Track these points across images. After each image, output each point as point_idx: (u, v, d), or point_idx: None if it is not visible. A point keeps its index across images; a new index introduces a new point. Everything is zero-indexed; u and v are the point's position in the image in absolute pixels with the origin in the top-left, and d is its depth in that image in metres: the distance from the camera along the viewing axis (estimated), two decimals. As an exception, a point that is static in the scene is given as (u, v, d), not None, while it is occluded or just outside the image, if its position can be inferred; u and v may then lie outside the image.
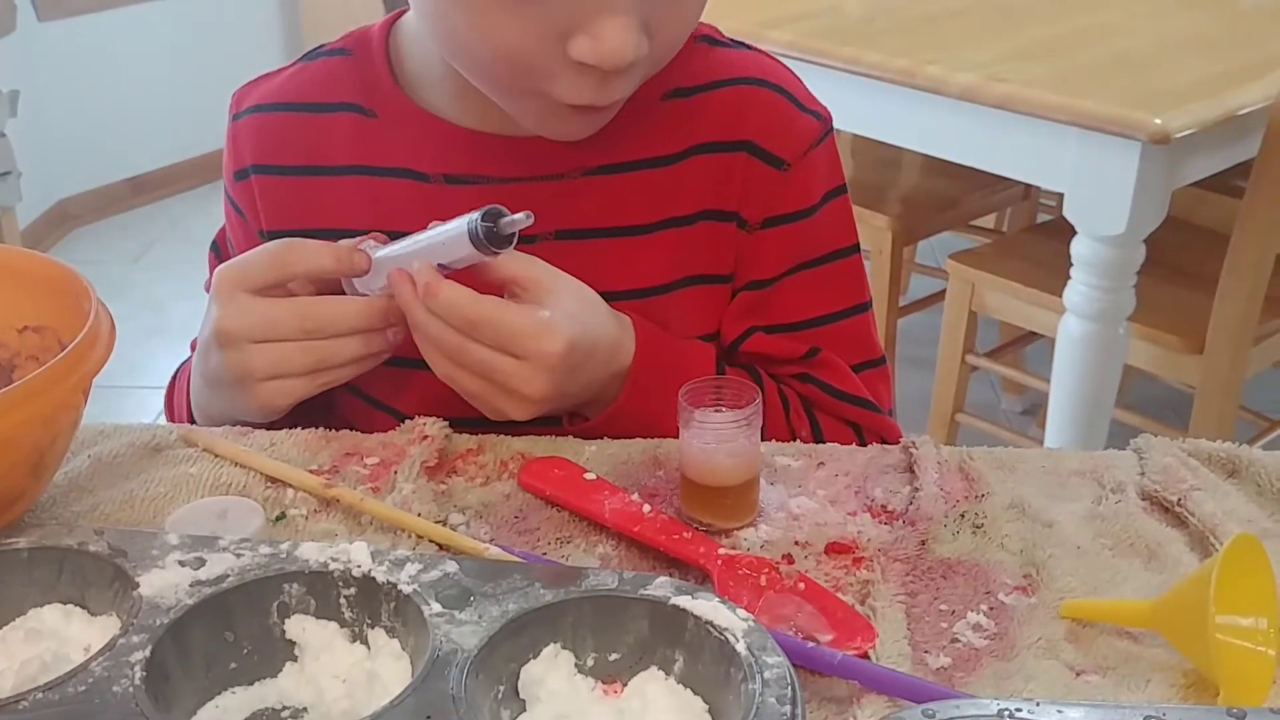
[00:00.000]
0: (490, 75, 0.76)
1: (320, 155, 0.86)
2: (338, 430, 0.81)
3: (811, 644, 0.59)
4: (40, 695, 0.53)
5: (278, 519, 0.71)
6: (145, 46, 3.66)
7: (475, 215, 0.72)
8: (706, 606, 0.56)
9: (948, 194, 2.37)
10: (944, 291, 2.18)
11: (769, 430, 0.80)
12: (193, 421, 0.87)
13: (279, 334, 0.75)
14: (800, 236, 0.86)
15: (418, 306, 0.73)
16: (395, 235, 0.78)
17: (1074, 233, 1.71)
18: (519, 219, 0.72)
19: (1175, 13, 2.09)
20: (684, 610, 0.56)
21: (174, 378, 0.94)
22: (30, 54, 3.31)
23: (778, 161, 0.84)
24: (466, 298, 0.73)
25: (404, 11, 0.84)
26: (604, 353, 0.77)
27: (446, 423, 0.79)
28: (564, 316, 0.73)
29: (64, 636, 0.59)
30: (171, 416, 0.93)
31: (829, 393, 0.87)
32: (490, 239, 0.72)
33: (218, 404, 0.81)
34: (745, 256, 0.86)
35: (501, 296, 0.75)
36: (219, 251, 0.94)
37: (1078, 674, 0.59)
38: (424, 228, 0.77)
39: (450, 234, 0.73)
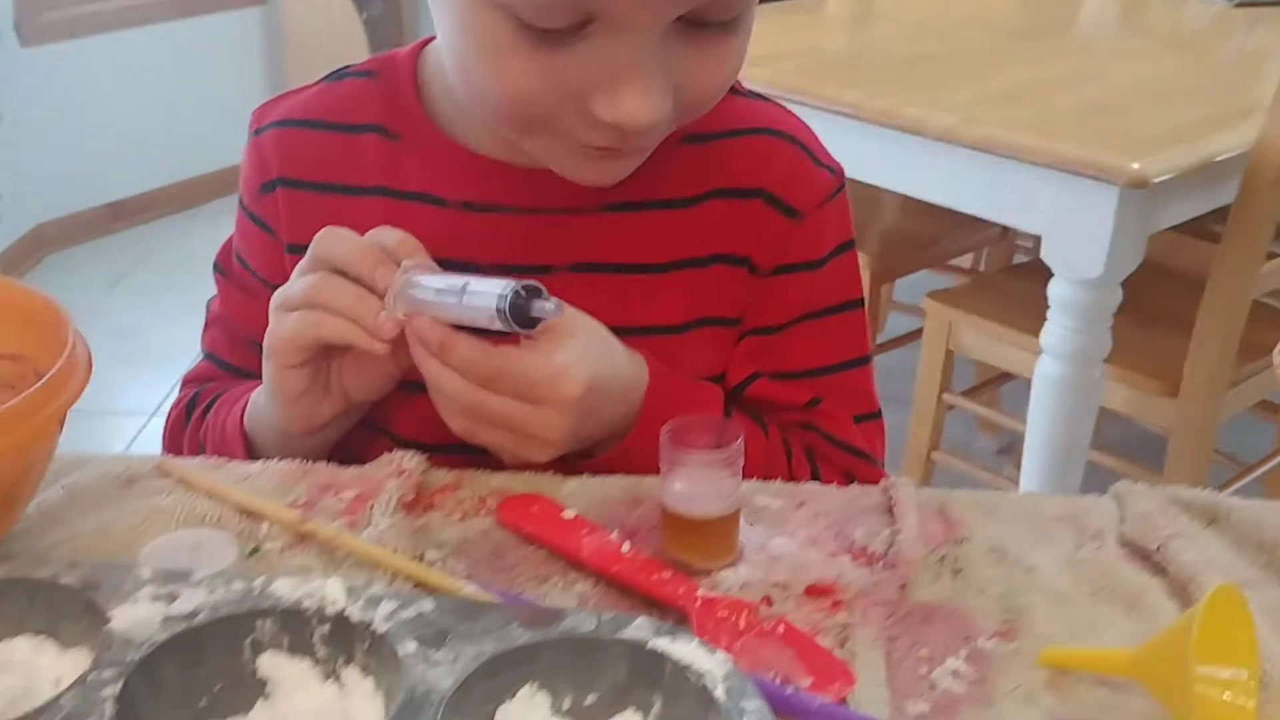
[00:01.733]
0: (507, 118, 0.75)
1: (344, 174, 0.86)
2: (331, 458, 0.80)
3: (790, 689, 0.58)
4: (7, 732, 0.52)
5: (252, 553, 0.71)
6: (126, 72, 3.65)
7: (507, 292, 0.71)
8: (685, 649, 0.55)
9: (926, 233, 2.38)
10: (921, 330, 2.18)
11: (771, 474, 0.81)
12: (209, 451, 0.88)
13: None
14: (808, 286, 0.88)
15: (433, 364, 0.73)
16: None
17: (1051, 274, 1.72)
18: (550, 308, 0.72)
19: (1154, 59, 2.12)
20: (662, 654, 0.55)
21: (187, 417, 0.93)
22: (11, 78, 3.30)
23: (791, 211, 0.85)
24: (480, 352, 0.72)
25: (433, 38, 0.84)
26: (619, 393, 0.78)
27: (425, 456, 0.79)
28: (581, 359, 0.73)
29: (34, 669, 0.58)
30: (178, 453, 0.92)
31: (830, 442, 0.88)
32: (516, 315, 0.71)
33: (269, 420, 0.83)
34: (755, 301, 0.87)
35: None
36: (224, 272, 0.93)
37: (1057, 722, 0.59)
38: (439, 253, 0.78)
39: (479, 306, 0.72)
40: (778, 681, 0.59)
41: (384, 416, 0.85)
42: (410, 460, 0.78)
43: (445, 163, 0.84)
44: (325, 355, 0.79)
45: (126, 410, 2.60)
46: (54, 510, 0.74)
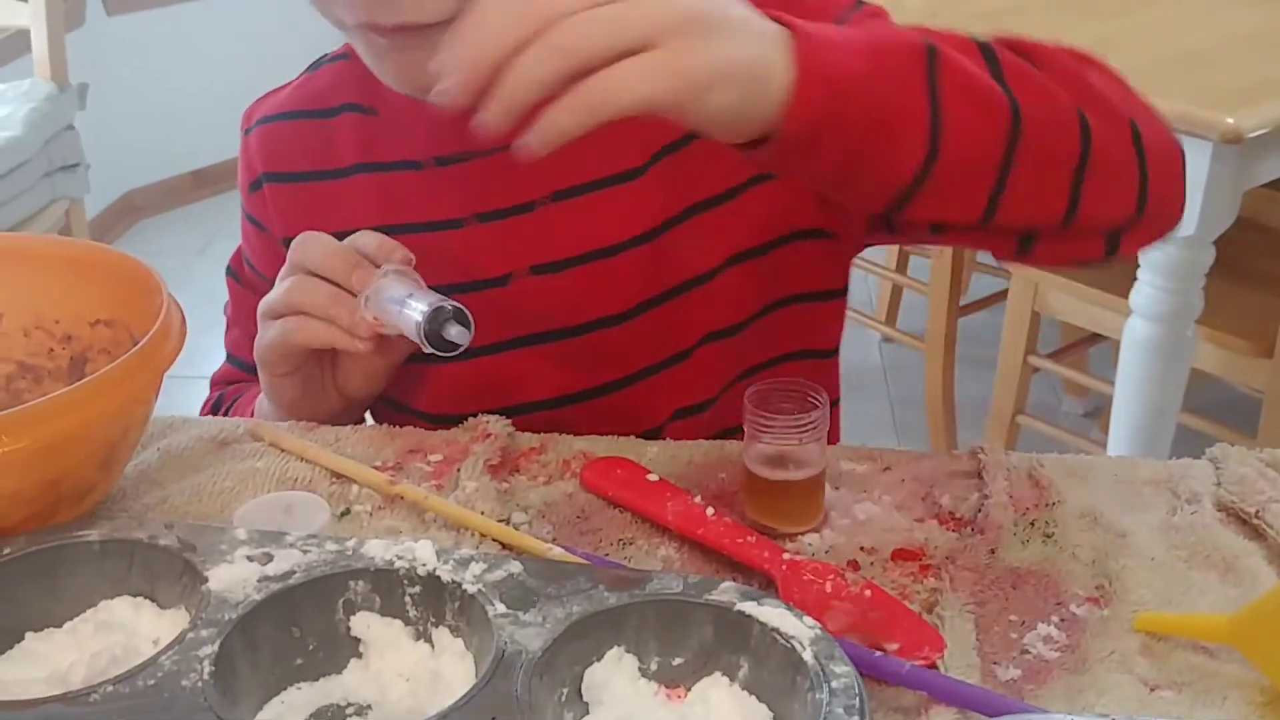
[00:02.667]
0: (314, 6, 0.73)
1: (327, 159, 0.86)
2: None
3: (879, 653, 0.58)
4: (110, 688, 0.53)
5: (343, 515, 0.72)
6: (210, 40, 3.70)
7: (421, 318, 0.72)
8: (772, 613, 0.55)
9: (1011, 193, 2.33)
10: (1005, 291, 2.15)
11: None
12: None
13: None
14: None
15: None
16: (401, 229, 0.79)
17: (1142, 233, 1.68)
18: (459, 338, 0.72)
19: (1246, 6, 2.05)
20: (749, 616, 0.55)
21: (212, 415, 0.95)
22: (98, 48, 3.36)
23: None
24: None
25: None
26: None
27: (509, 420, 0.80)
28: None
29: (133, 629, 0.60)
30: None
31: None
32: (433, 339, 0.72)
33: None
34: None
35: None
36: (236, 276, 0.95)
37: (1152, 689, 0.58)
38: (422, 216, 0.80)
39: (409, 323, 0.73)
40: (866, 645, 0.59)
41: (404, 393, 0.86)
42: (495, 424, 0.79)
43: (415, 125, 0.84)
44: (315, 360, 0.80)
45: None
46: (150, 472, 0.75)
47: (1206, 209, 1.58)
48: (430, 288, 0.75)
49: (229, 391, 0.95)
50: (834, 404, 0.93)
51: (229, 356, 0.96)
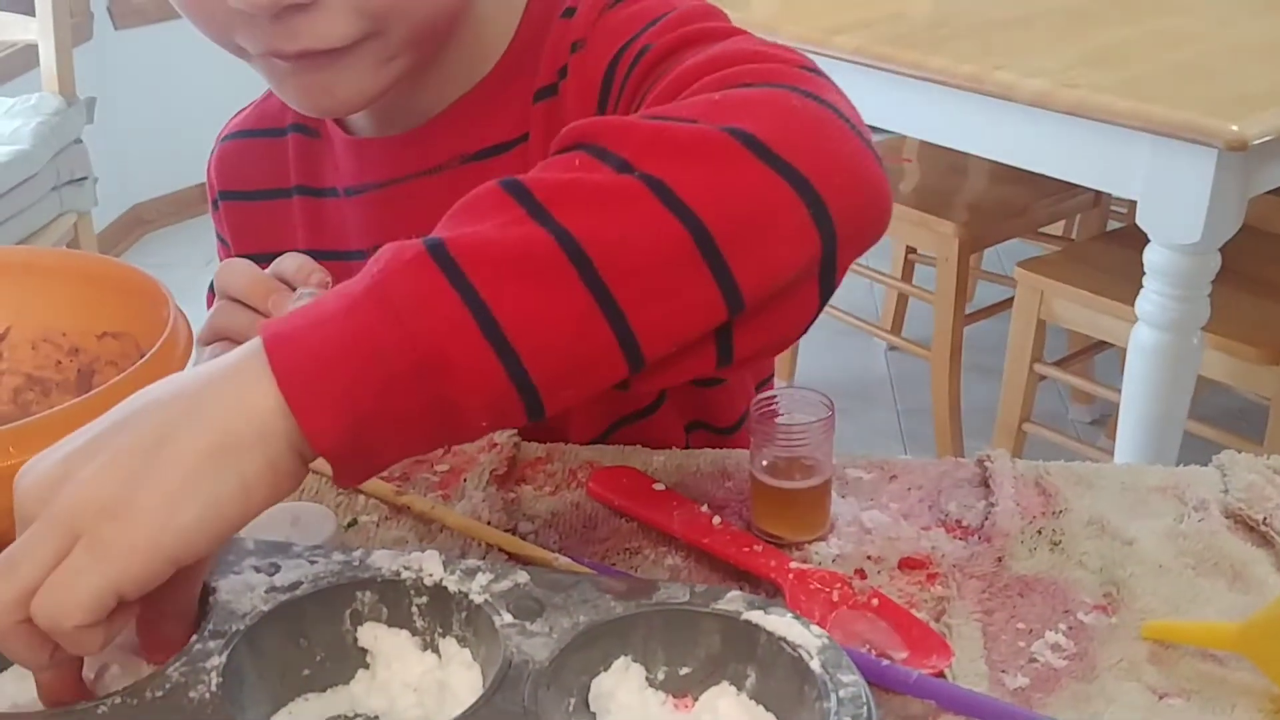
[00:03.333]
0: (206, 33, 0.72)
1: (275, 179, 0.88)
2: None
3: (886, 662, 0.58)
4: (118, 700, 0.53)
5: (349, 525, 0.72)
6: (218, 54, 3.70)
7: None
8: (779, 622, 0.55)
9: (1016, 201, 2.34)
10: (1011, 299, 2.15)
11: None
12: None
13: None
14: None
15: None
16: (325, 255, 0.78)
17: (1146, 240, 1.68)
18: None
19: (1248, 17, 2.05)
20: (756, 625, 0.55)
21: None
22: (106, 61, 3.37)
23: (574, 46, 0.76)
24: None
25: None
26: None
27: (515, 431, 0.80)
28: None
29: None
30: None
31: None
32: None
33: None
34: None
35: None
36: (214, 290, 0.95)
37: (1160, 697, 0.58)
38: (336, 245, 0.82)
39: None
40: (873, 654, 0.59)
41: None
42: (501, 434, 0.79)
43: (338, 152, 0.85)
44: None
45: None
46: (158, 484, 0.75)
47: (1212, 216, 1.58)
48: None
49: None
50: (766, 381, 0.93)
51: None
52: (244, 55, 0.73)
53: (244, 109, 0.93)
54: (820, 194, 0.54)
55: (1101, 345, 2.19)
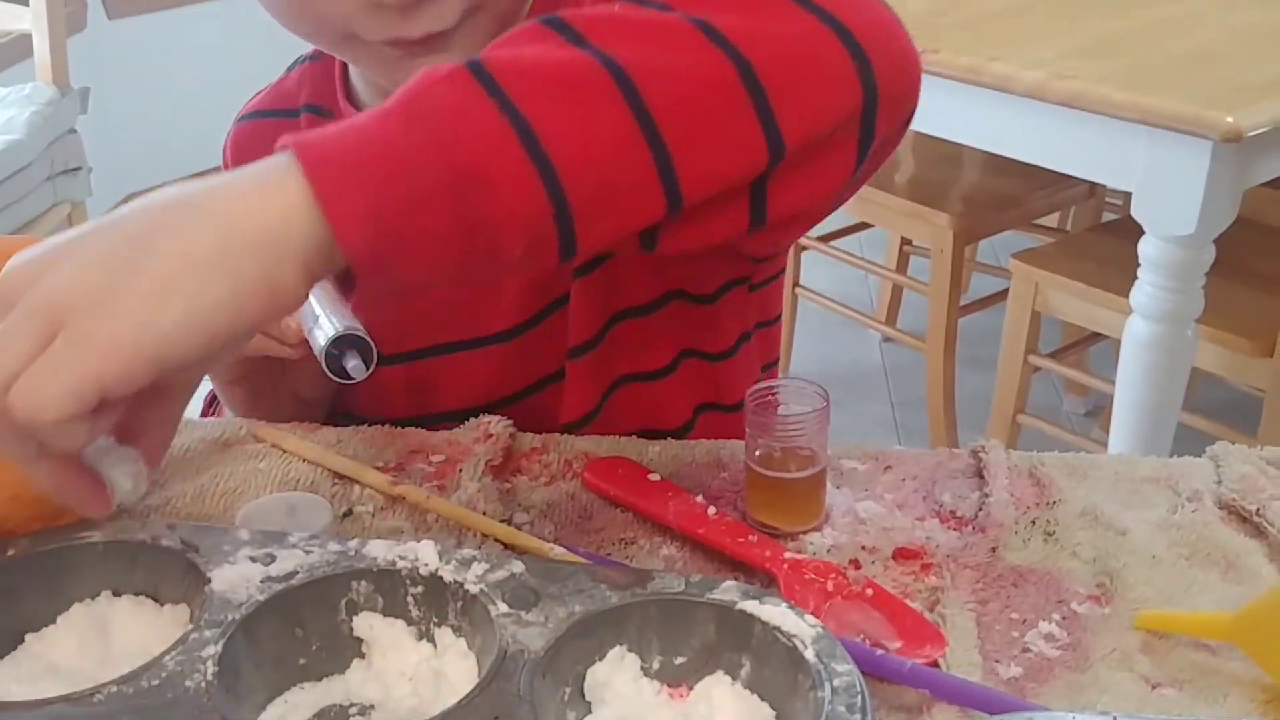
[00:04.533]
0: (300, 25, 0.72)
1: None
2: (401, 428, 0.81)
3: (880, 651, 0.58)
4: (114, 689, 0.53)
5: (345, 515, 0.72)
6: (212, 44, 3.70)
7: (332, 336, 0.71)
8: (774, 612, 0.55)
9: (1010, 192, 2.34)
10: (1005, 291, 2.15)
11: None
12: None
13: None
14: None
15: None
16: None
17: (1141, 232, 1.68)
18: (355, 373, 0.71)
19: (1245, 8, 2.05)
20: (751, 615, 0.56)
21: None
22: (100, 51, 3.36)
23: None
24: None
25: None
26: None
27: (510, 421, 0.80)
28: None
29: (135, 629, 0.60)
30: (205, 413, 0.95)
31: None
32: (332, 365, 0.72)
33: None
34: None
35: None
36: None
37: (1153, 686, 0.58)
38: None
39: (317, 345, 0.72)
40: (867, 644, 0.59)
41: (343, 399, 0.86)
42: (496, 425, 0.79)
43: None
44: (264, 366, 0.80)
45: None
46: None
47: (1207, 208, 1.58)
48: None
49: None
50: (773, 365, 0.92)
51: None
52: (346, 46, 0.72)
53: (261, 91, 0.92)
54: (863, 47, 0.53)
55: (1096, 337, 2.19)
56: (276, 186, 0.49)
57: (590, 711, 0.55)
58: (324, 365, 0.72)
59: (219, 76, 3.77)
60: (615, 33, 0.52)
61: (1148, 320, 1.72)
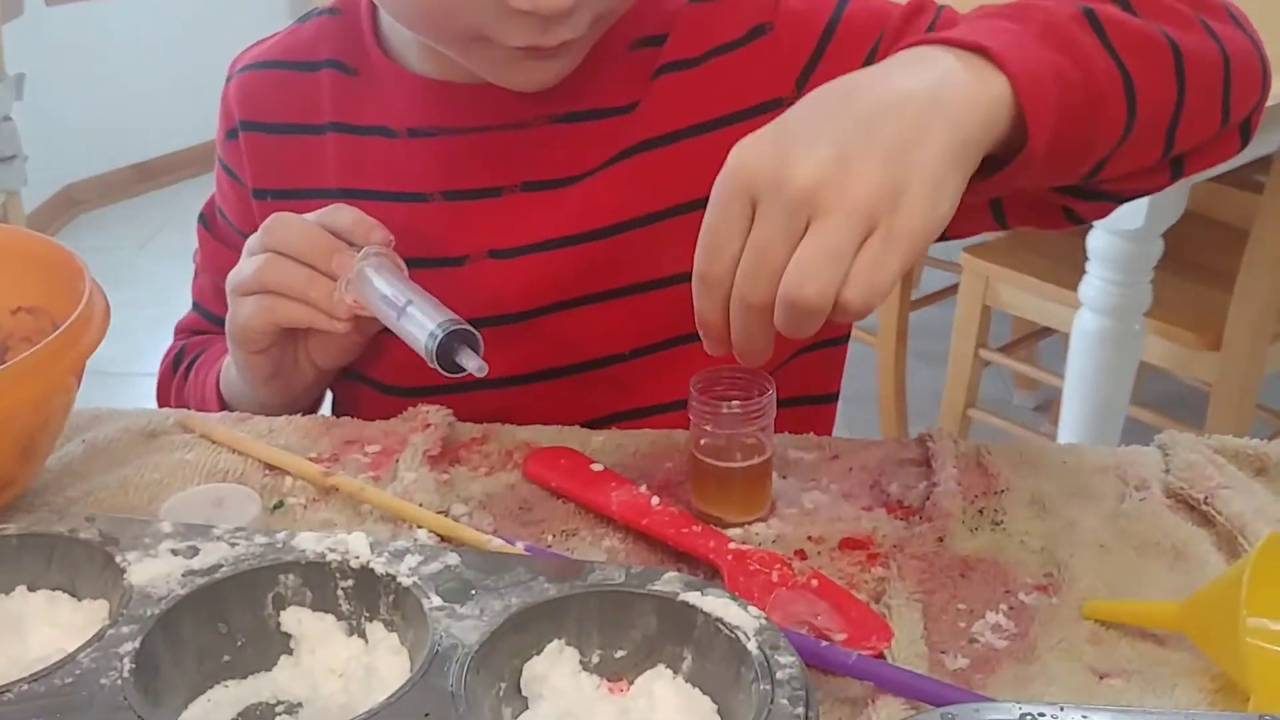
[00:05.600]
0: (430, 28, 0.73)
1: (304, 114, 0.85)
2: (339, 416, 0.79)
3: (825, 643, 0.57)
4: (25, 686, 0.51)
5: (275, 508, 0.70)
6: (152, 31, 3.65)
7: (439, 334, 0.71)
8: (716, 603, 0.54)
9: (961, 187, 2.34)
10: (956, 285, 2.15)
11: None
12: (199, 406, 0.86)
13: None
14: (856, 38, 0.77)
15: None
16: (367, 195, 0.79)
17: (1090, 227, 1.68)
18: (474, 366, 0.70)
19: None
20: (693, 607, 0.54)
21: (175, 370, 0.92)
22: (37, 38, 3.30)
23: (759, 30, 0.78)
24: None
25: None
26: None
27: (450, 411, 0.78)
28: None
29: (52, 625, 0.57)
30: (166, 406, 0.91)
31: None
32: (443, 360, 0.71)
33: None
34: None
35: None
36: (207, 223, 0.93)
37: (1101, 677, 0.57)
38: (392, 185, 0.79)
39: (412, 334, 0.72)
40: (812, 636, 0.58)
41: (359, 361, 0.84)
42: (435, 415, 0.77)
43: (395, 92, 0.82)
44: (289, 336, 0.78)
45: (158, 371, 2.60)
46: (74, 465, 0.73)
47: (1154, 202, 1.59)
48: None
49: (193, 343, 0.93)
50: (834, 396, 0.91)
51: (195, 305, 0.95)
52: (471, 48, 0.72)
53: (260, 42, 0.90)
54: (1265, 60, 0.70)
55: (1046, 331, 2.20)
56: (985, 88, 0.56)
57: (527, 707, 0.54)
58: (433, 359, 0.71)
59: (158, 64, 3.72)
60: (1159, 12, 0.65)
61: (1096, 314, 1.72)
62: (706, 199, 0.78)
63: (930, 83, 0.56)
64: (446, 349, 0.71)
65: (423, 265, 0.79)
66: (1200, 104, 0.66)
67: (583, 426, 0.78)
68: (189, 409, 0.87)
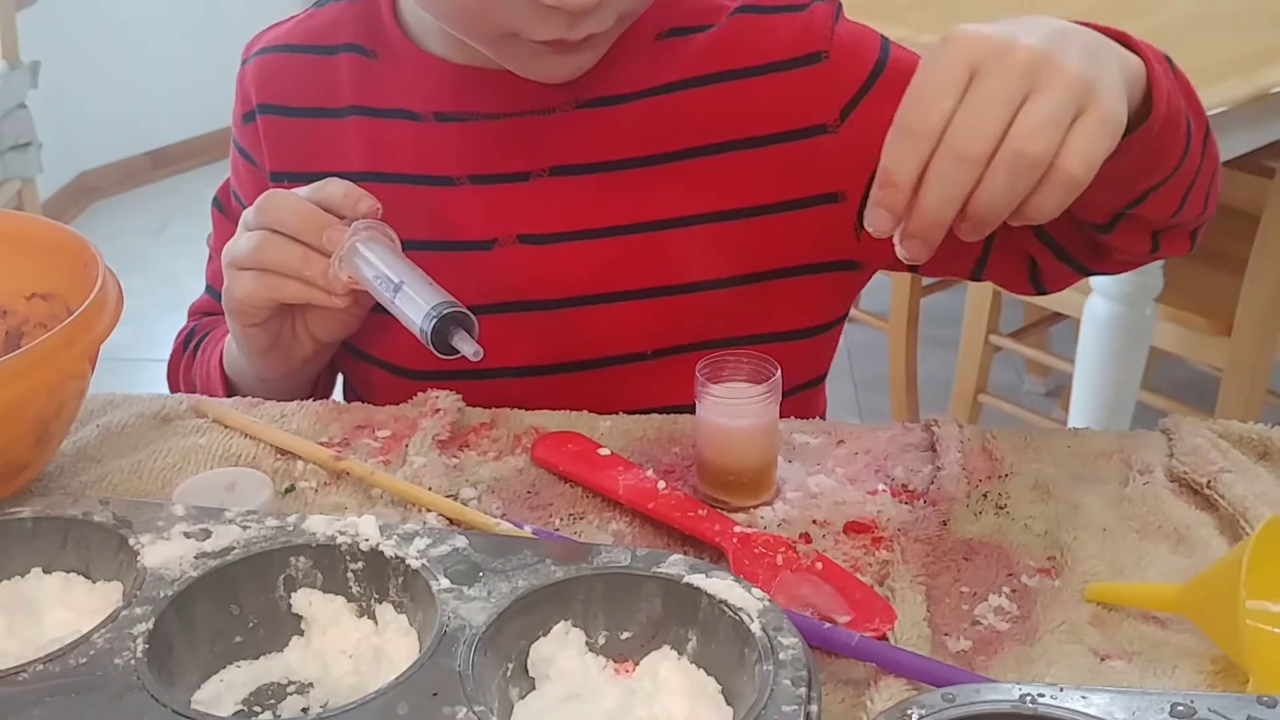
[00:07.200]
0: (462, 24, 0.74)
1: (322, 97, 0.85)
2: (349, 400, 0.80)
3: (828, 625, 0.57)
4: (40, 667, 0.52)
5: (287, 491, 0.70)
6: (165, 19, 3.65)
7: (434, 313, 0.71)
8: (721, 585, 0.54)
9: (973, 173, 2.33)
10: (967, 271, 2.15)
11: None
12: (208, 390, 0.87)
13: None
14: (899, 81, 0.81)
15: None
16: (391, 178, 0.80)
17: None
18: (469, 351, 0.70)
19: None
20: (698, 589, 0.55)
21: (185, 350, 0.93)
22: (51, 26, 3.30)
23: (814, 56, 0.79)
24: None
25: None
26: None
27: (459, 396, 0.78)
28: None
29: (65, 607, 0.58)
30: (175, 387, 0.92)
31: None
32: (438, 341, 0.71)
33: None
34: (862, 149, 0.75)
35: None
36: (221, 207, 0.93)
37: (1102, 659, 0.58)
38: (415, 169, 0.80)
39: (408, 316, 0.72)
40: (816, 618, 0.58)
41: (369, 342, 0.85)
42: (445, 399, 0.77)
43: (418, 75, 0.82)
44: (286, 309, 0.78)
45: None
46: (89, 449, 0.74)
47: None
48: (413, 244, 0.75)
49: (204, 323, 0.94)
50: (822, 379, 0.92)
51: (208, 288, 0.95)
52: (500, 43, 0.73)
53: (276, 25, 0.90)
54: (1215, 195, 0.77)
55: (1057, 317, 2.19)
56: (1129, 55, 0.63)
57: (534, 688, 0.54)
58: (427, 340, 0.71)
59: (173, 52, 3.72)
60: (1190, 97, 0.70)
61: (1107, 300, 1.72)
62: (740, 210, 0.79)
63: (1095, 35, 0.63)
64: (441, 332, 0.71)
65: (451, 248, 0.79)
66: (1205, 182, 0.72)
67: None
68: (195, 386, 0.88)
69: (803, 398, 0.88)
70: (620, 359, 0.82)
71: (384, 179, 0.80)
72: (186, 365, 0.92)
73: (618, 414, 0.79)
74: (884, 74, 0.79)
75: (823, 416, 0.91)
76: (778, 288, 0.82)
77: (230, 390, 0.85)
